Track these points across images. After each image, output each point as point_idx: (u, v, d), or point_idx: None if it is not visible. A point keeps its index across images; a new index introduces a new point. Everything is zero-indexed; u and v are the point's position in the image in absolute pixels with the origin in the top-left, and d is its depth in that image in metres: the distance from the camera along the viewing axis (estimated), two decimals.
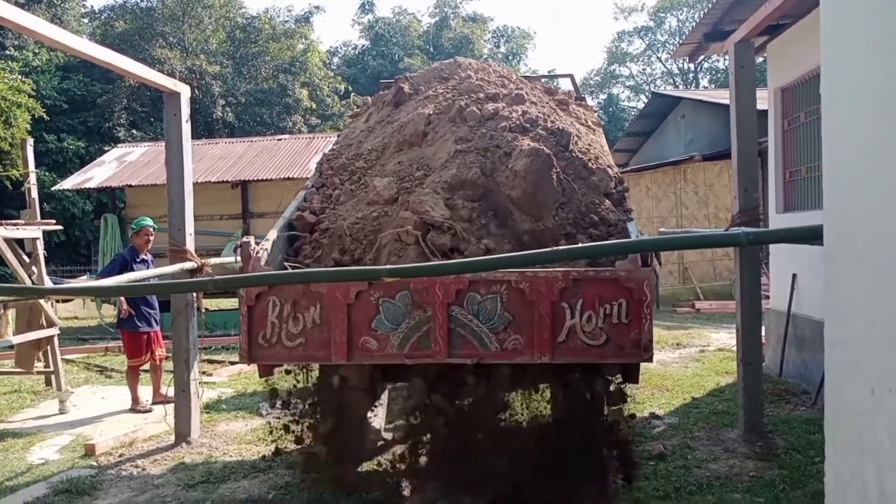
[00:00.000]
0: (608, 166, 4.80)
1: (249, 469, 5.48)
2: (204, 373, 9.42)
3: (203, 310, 6.50)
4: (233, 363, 9.95)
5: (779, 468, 5.04)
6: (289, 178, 14.07)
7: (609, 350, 3.93)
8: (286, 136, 18.44)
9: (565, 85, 7.11)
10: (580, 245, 3.83)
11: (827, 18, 2.19)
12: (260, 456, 5.76)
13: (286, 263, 4.60)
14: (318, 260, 4.61)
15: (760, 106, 9.66)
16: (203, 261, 6.25)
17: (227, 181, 14.12)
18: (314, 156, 15.35)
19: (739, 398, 5.78)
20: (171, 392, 7.31)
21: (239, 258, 4.40)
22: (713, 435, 5.88)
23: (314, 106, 34.17)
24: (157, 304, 7.66)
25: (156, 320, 7.54)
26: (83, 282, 12.48)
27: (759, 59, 10.92)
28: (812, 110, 7.92)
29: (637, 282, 3.87)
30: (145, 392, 7.78)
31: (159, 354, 7.59)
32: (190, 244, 6.21)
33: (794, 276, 7.95)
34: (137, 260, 7.41)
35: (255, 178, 14.11)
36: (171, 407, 6.34)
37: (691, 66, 43.72)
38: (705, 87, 40.29)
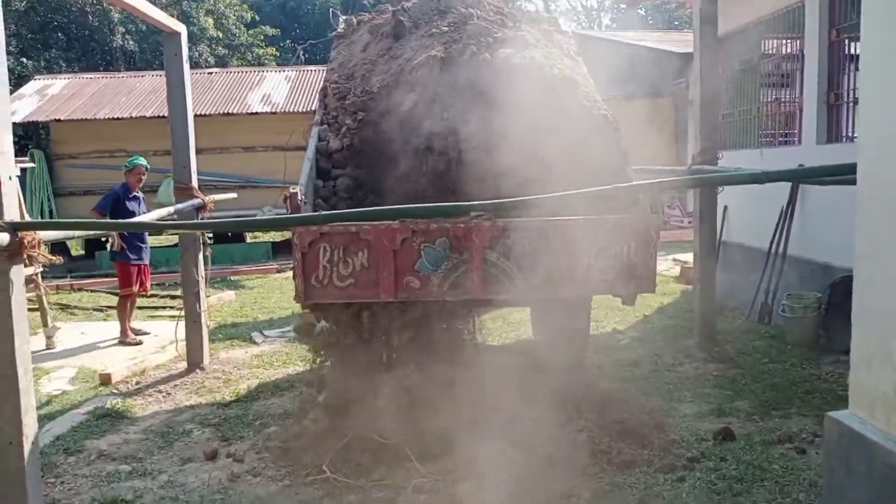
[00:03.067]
0: (605, 110, 5.39)
1: (273, 388, 5.96)
2: (174, 307, 9.65)
3: (208, 245, 6.72)
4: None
5: (736, 368, 6.03)
6: (229, 114, 13.95)
7: (619, 284, 4.61)
8: (217, 70, 18.00)
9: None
10: (610, 186, 4.45)
11: None
12: (279, 376, 6.26)
13: None
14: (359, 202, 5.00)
15: (687, 49, 10.53)
16: (208, 198, 6.51)
17: (164, 116, 13.79)
18: (250, 91, 15.23)
19: (697, 311, 6.71)
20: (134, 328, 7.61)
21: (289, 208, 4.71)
22: (673, 345, 6.82)
23: (220, 35, 32.79)
24: (147, 239, 7.81)
25: (146, 254, 7.71)
26: None
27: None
28: (746, 59, 8.83)
29: (645, 226, 4.55)
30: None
31: (148, 287, 7.79)
32: (195, 182, 6.44)
33: (725, 207, 8.96)
34: (129, 197, 7.51)
35: (195, 113, 13.83)
36: (181, 335, 6.62)
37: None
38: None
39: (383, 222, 4.52)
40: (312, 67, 16.73)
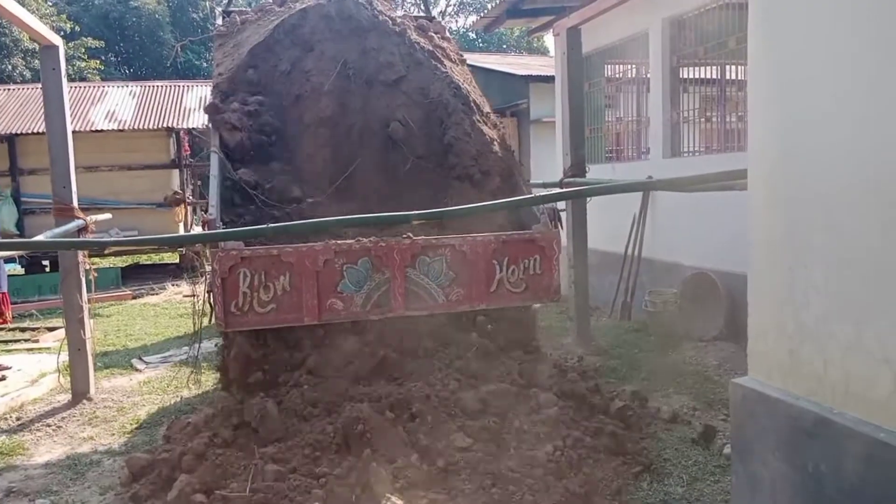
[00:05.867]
0: (500, 129, 5.83)
1: (176, 413, 5.78)
2: (28, 340, 8.96)
3: (91, 268, 6.37)
4: (50, 329, 9.46)
5: (614, 359, 6.70)
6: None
7: (528, 295, 5.05)
8: None
9: None
10: (524, 197, 4.88)
11: None
12: (175, 400, 6.08)
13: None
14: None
15: (548, 72, 11.39)
16: (89, 218, 6.22)
17: None
18: (91, 107, 14.36)
19: (574, 312, 7.34)
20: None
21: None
22: (553, 342, 7.38)
23: (37, 47, 30.31)
24: (3, 266, 7.21)
25: (3, 281, 7.12)
26: None
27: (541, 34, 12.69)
28: (595, 81, 9.77)
29: (548, 240, 5.02)
30: None
31: (8, 317, 7.21)
32: (75, 202, 6.12)
33: None
34: None
35: (31, 132, 12.85)
36: (52, 367, 6.24)
37: None
38: None
39: (305, 245, 4.62)
40: (160, 83, 16.03)
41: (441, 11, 46.22)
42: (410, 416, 4.29)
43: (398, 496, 3.74)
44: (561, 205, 7.51)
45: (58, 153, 6.00)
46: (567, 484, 3.88)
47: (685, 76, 8.61)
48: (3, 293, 7.17)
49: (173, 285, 12.75)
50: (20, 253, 7.75)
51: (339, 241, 4.64)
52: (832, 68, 2.81)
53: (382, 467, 3.88)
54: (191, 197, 13.29)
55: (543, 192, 6.22)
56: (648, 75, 8.69)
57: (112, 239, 5.14)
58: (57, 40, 5.96)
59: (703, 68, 8.55)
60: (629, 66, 9.60)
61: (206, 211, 5.00)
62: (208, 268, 4.94)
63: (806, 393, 3.14)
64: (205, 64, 35.43)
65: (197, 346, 5.60)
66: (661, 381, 6.00)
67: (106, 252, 11.92)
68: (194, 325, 5.18)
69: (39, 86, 15.70)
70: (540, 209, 5.24)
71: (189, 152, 14.34)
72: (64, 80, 5.98)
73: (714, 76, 8.52)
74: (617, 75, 9.81)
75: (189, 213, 14.02)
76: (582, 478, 3.96)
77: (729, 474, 3.98)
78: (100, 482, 4.48)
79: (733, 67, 7.96)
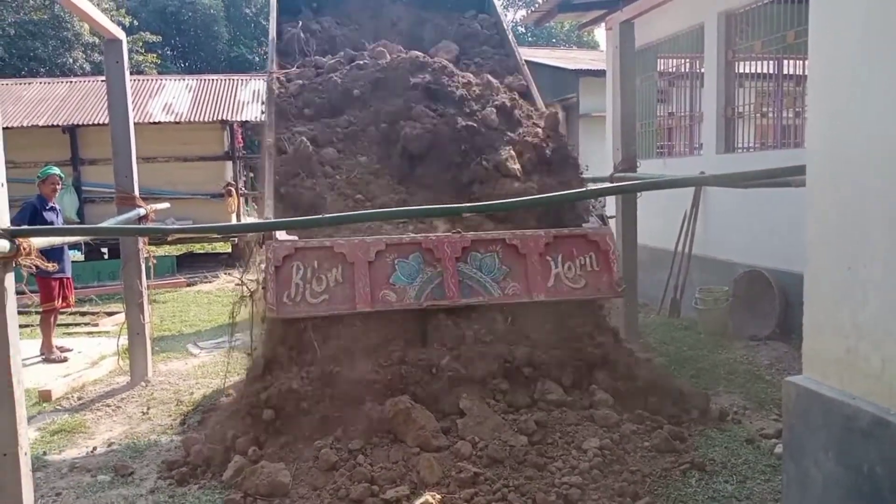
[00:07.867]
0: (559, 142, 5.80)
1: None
2: (88, 323, 9.30)
3: (151, 256, 6.57)
4: (109, 314, 9.80)
5: (662, 356, 6.63)
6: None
7: (589, 290, 5.07)
8: None
9: None
10: (576, 191, 4.89)
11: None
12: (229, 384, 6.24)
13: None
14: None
15: (598, 66, 11.29)
16: (149, 207, 6.42)
17: (58, 125, 13.16)
18: (150, 99, 14.75)
19: (621, 306, 7.28)
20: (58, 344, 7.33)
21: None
22: None
23: (97, 41, 31.24)
24: (68, 251, 7.51)
25: (68, 266, 7.41)
26: None
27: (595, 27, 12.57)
28: (647, 75, 9.66)
29: (601, 236, 5.03)
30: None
31: (71, 301, 7.51)
32: (136, 191, 6.33)
33: None
34: (47, 208, 7.19)
35: (92, 123, 13.28)
36: (111, 349, 6.47)
37: None
38: None
39: (357, 237, 4.72)
40: (215, 76, 16.40)
41: None
42: (459, 410, 4.35)
43: (443, 486, 3.81)
44: (609, 209, 7.52)
45: (120, 144, 6.21)
46: (614, 479, 3.89)
47: (740, 70, 8.45)
48: (68, 278, 7.45)
49: (226, 274, 13.05)
50: (84, 239, 8.03)
51: (390, 235, 4.72)
52: (892, 61, 2.76)
53: (430, 456, 3.95)
54: (243, 189, 13.60)
55: (593, 187, 6.18)
56: (702, 70, 8.56)
57: (174, 227, 5.29)
58: (120, 34, 6.15)
59: (759, 63, 8.38)
60: (682, 61, 9.47)
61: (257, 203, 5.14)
62: (261, 257, 5.07)
63: (862, 392, 3.08)
64: (257, 58, 36.06)
65: (250, 333, 5.77)
66: (711, 380, 5.92)
67: (168, 240, 12.33)
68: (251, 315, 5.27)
69: (100, 78, 16.26)
70: (589, 211, 5.27)
71: (242, 144, 14.65)
72: (126, 73, 6.18)
73: (771, 71, 8.34)
74: (670, 69, 9.68)
75: (241, 203, 14.33)
76: (629, 474, 3.96)
77: (779, 474, 3.93)
78: (158, 460, 4.64)
79: (791, 62, 7.78)
